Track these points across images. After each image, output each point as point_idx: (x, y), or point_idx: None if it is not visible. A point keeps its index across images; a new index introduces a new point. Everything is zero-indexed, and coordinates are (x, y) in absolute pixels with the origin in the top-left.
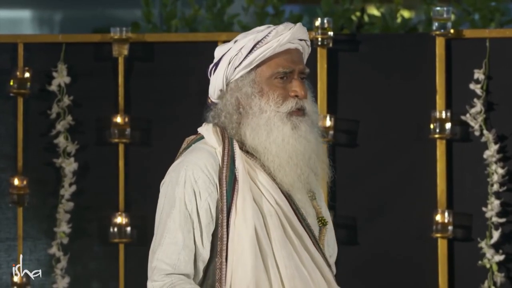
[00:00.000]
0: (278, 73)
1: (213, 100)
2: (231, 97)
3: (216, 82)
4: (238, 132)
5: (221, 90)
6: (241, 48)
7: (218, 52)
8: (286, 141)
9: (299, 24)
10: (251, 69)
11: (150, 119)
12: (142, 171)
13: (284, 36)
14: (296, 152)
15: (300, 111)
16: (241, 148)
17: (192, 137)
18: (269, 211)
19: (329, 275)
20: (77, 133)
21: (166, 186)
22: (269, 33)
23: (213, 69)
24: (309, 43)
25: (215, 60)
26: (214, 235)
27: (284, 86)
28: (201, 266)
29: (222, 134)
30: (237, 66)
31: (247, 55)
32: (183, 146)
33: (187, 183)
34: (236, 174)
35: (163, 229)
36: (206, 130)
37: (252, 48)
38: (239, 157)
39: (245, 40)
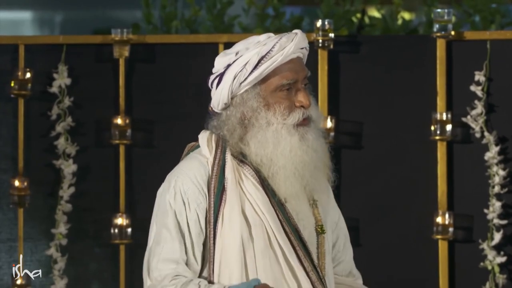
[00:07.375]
0: (283, 86)
1: (216, 111)
2: (236, 111)
3: (221, 96)
4: (239, 145)
5: (225, 103)
6: (245, 64)
7: (219, 63)
8: (293, 153)
9: (300, 33)
10: (256, 83)
11: (150, 121)
12: (142, 173)
13: (289, 49)
14: (303, 163)
15: (305, 120)
16: (235, 157)
17: (192, 144)
18: (254, 221)
19: None
20: (77, 134)
21: (160, 195)
22: (273, 47)
23: (217, 80)
24: (308, 47)
25: (217, 72)
26: (204, 245)
27: (289, 97)
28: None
29: (216, 143)
30: (243, 82)
31: (252, 71)
32: (184, 153)
33: (177, 194)
34: (225, 184)
35: (159, 238)
36: (202, 138)
37: (257, 64)
38: (230, 166)
39: (249, 54)
